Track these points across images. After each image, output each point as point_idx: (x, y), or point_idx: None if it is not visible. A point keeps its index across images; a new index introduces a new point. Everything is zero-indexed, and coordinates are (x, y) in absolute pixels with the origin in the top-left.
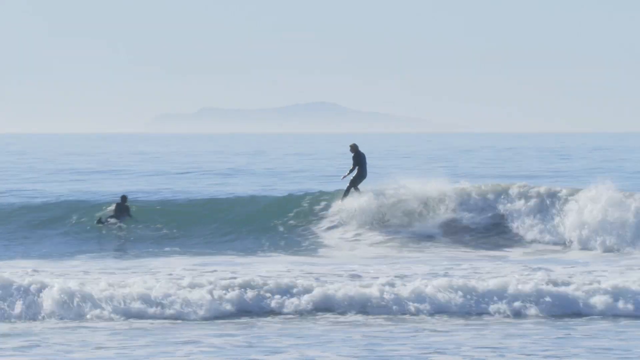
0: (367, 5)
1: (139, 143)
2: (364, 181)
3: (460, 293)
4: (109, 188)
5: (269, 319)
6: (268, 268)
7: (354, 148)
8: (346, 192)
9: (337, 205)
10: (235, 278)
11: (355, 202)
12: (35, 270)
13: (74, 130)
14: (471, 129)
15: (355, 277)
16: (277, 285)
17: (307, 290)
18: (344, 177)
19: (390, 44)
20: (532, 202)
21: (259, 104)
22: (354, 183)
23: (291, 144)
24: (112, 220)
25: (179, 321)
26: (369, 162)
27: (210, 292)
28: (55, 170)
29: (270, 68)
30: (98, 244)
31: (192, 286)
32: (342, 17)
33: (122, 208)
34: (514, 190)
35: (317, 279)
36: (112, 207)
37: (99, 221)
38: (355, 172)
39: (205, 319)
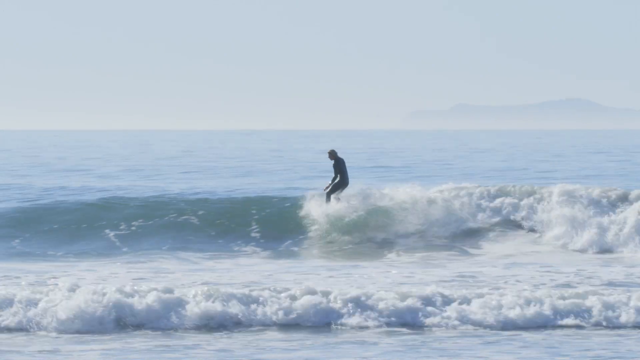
0: (623, 3)
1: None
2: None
3: None
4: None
5: None
6: None
7: (333, 155)
8: (327, 200)
9: (318, 213)
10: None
11: None
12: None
13: (333, 127)
14: None
15: None
16: None
17: None
18: (327, 188)
19: None
20: None
21: (511, 101)
22: (334, 190)
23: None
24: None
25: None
26: None
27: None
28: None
29: (523, 65)
30: None
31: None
32: (595, 15)
33: None
34: None
35: None
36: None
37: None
38: (337, 180)
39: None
